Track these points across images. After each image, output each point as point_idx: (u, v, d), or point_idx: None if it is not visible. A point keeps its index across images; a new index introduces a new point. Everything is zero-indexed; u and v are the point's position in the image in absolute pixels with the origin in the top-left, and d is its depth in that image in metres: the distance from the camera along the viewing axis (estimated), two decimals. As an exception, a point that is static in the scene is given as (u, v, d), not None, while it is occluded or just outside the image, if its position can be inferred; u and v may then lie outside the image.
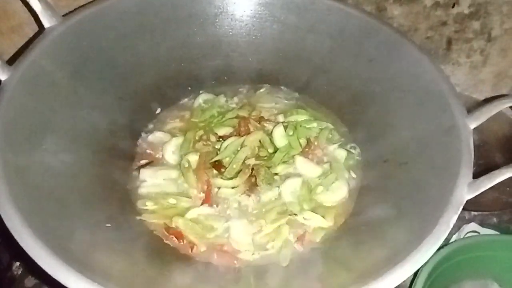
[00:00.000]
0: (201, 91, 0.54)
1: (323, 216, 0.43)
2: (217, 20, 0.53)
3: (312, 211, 0.44)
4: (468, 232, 0.57)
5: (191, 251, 0.41)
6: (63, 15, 0.46)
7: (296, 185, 0.45)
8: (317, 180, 0.46)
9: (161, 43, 0.52)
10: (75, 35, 0.45)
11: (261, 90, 0.55)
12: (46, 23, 0.44)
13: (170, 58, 0.53)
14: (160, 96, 0.53)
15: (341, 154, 0.48)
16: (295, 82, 0.55)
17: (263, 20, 0.53)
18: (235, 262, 0.41)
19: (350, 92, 0.52)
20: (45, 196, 0.36)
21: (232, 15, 0.53)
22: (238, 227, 0.42)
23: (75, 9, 0.48)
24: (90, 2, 0.49)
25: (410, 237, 0.34)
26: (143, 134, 0.51)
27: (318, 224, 0.43)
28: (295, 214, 0.43)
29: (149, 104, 0.52)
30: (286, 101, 0.54)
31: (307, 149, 0.48)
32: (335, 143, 0.49)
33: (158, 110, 0.53)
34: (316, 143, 0.49)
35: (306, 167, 0.47)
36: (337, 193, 0.45)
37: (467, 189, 0.35)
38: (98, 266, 0.34)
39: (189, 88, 0.54)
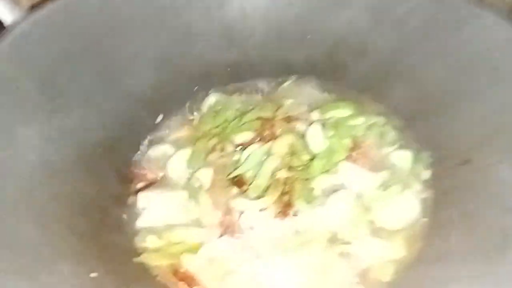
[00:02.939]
0: (210, 91, 0.48)
1: (389, 244, 0.35)
2: (224, 2, 0.45)
3: (373, 238, 0.36)
4: None
5: (208, 303, 0.34)
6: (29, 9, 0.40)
7: (345, 201, 0.38)
8: (374, 194, 0.38)
9: (157, 37, 0.45)
10: (44, 33, 0.38)
11: (287, 84, 0.48)
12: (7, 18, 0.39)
13: (169, 54, 0.46)
14: (160, 101, 0.46)
15: (405, 156, 0.41)
16: (329, 69, 0.47)
17: (284, -3, 0.46)
18: (270, 317, 0.32)
19: (400, 76, 0.44)
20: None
21: (243, -6, 0.46)
22: (271, 266, 0.35)
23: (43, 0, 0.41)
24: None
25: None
26: (141, 149, 0.45)
27: (385, 256, 0.36)
28: (349, 243, 0.36)
29: (146, 112, 0.46)
30: (319, 94, 0.47)
31: (355, 153, 0.41)
32: (394, 143, 0.41)
33: (159, 118, 0.46)
34: (366, 144, 0.42)
35: (356, 177, 0.39)
36: (405, 210, 0.38)
37: None
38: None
39: (196, 88, 0.48)
